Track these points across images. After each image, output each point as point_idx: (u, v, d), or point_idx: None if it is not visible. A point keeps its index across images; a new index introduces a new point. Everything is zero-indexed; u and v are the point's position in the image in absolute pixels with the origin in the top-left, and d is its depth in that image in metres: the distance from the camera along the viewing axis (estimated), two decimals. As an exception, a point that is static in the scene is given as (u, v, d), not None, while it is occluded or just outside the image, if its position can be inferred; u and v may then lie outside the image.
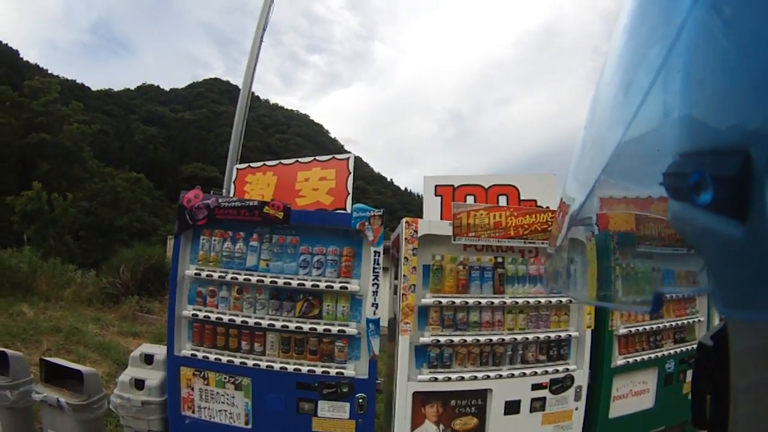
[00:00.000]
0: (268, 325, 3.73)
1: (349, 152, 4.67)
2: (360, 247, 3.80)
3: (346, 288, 3.69)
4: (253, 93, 9.86)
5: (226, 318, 3.77)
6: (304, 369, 3.66)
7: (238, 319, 3.75)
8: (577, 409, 3.95)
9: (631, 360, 4.16)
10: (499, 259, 3.89)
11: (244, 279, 3.75)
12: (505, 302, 3.83)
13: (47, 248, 18.33)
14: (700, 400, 0.74)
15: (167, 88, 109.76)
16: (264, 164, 4.59)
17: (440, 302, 3.71)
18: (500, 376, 3.79)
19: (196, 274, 3.83)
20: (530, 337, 3.87)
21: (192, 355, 3.81)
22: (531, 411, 3.83)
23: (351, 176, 4.22)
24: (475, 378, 3.74)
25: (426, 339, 3.69)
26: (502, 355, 3.87)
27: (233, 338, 3.82)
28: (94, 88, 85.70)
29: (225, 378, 3.75)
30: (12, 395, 3.89)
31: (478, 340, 3.76)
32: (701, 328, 4.58)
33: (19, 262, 12.05)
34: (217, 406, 3.77)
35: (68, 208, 25.92)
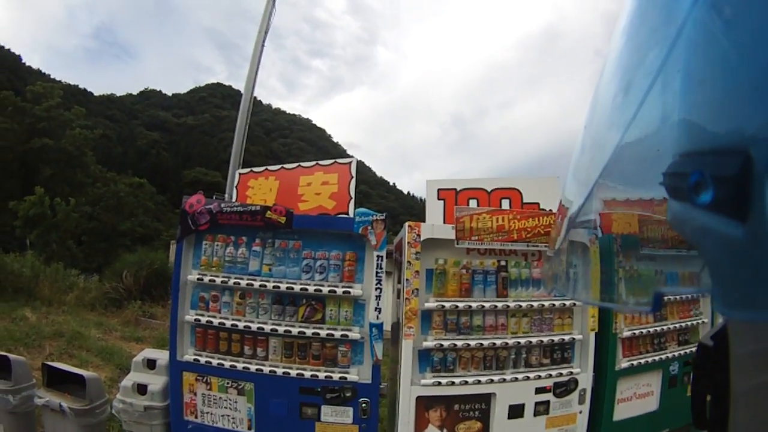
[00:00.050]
0: (271, 330, 3.72)
1: (352, 156, 4.68)
2: (363, 252, 3.79)
3: (349, 292, 3.69)
4: (255, 97, 9.90)
5: (228, 323, 3.77)
6: (307, 374, 3.65)
7: (241, 324, 3.75)
8: (581, 412, 3.93)
9: (635, 362, 4.14)
10: (503, 263, 3.88)
11: (247, 284, 3.75)
12: (508, 306, 3.82)
13: (50, 253, 18.42)
14: (700, 401, 0.74)
15: (170, 93, 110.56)
16: (266, 169, 4.59)
17: (443, 306, 3.71)
18: (504, 380, 3.78)
19: (198, 279, 3.83)
20: (534, 340, 3.86)
21: (195, 360, 3.81)
22: (535, 415, 3.82)
23: (353, 180, 4.22)
24: (479, 382, 3.73)
25: (429, 343, 3.68)
26: (506, 359, 3.86)
27: (236, 343, 3.82)
28: (96, 93, 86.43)
29: (228, 383, 3.74)
30: (14, 400, 3.89)
31: (481, 344, 3.75)
32: (705, 330, 4.56)
33: (22, 266, 12.11)
34: (219, 411, 3.77)
35: (71, 212, 26.03)
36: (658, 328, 4.30)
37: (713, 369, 0.69)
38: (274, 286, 3.73)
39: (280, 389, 3.67)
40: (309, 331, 3.68)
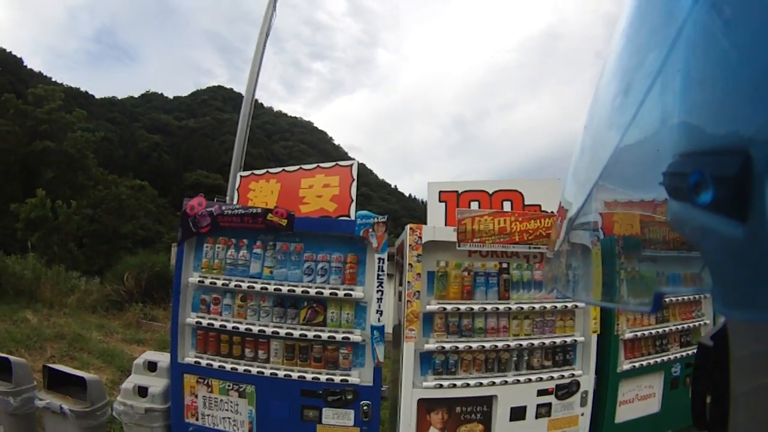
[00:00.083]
0: (272, 332, 3.72)
1: (353, 159, 4.68)
2: (364, 254, 3.79)
3: (351, 295, 3.69)
4: (256, 100, 9.92)
5: (229, 325, 3.77)
6: (309, 376, 3.65)
7: (242, 327, 3.75)
8: (583, 414, 3.92)
9: (637, 364, 4.13)
10: (504, 265, 3.88)
11: (248, 286, 3.75)
12: (510, 308, 3.81)
13: (51, 255, 18.39)
14: (700, 401, 0.74)
15: (171, 96, 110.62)
16: (267, 171, 4.60)
17: (445, 308, 3.70)
18: (506, 383, 3.77)
19: (199, 281, 3.83)
20: (536, 342, 3.86)
21: (195, 362, 3.80)
22: (537, 417, 3.81)
23: (355, 183, 4.22)
24: (481, 384, 3.72)
25: (431, 345, 3.68)
26: (508, 361, 3.86)
27: (237, 346, 3.82)
28: (97, 96, 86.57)
29: (229, 385, 3.74)
30: (15, 402, 3.90)
31: (483, 347, 3.74)
32: (707, 331, 4.55)
33: (23, 269, 12.10)
34: (220, 413, 3.77)
35: (72, 215, 26.03)
36: (660, 330, 4.30)
37: (713, 369, 0.69)
38: (275, 289, 3.72)
39: (281, 392, 3.67)
40: (310, 334, 3.68)
